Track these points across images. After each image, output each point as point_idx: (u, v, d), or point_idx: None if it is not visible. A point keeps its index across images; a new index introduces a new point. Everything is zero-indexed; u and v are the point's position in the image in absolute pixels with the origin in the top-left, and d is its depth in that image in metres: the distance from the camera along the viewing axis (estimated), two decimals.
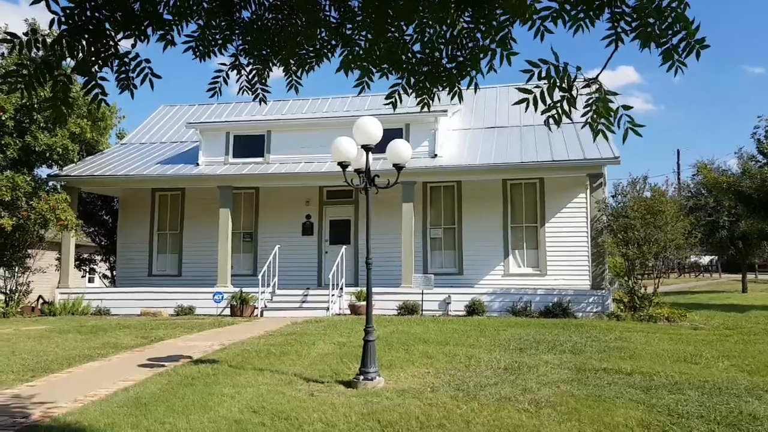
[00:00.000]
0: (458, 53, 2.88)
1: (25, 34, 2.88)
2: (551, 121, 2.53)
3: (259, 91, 3.46)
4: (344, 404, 5.93)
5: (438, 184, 16.84)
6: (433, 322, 12.17)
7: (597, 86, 2.41)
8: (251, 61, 3.32)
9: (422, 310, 14.28)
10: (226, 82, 3.41)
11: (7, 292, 15.98)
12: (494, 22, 2.60)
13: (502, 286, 15.44)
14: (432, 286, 14.41)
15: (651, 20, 2.31)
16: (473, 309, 14.09)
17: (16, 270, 16.17)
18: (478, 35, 2.73)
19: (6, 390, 6.72)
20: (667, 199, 14.96)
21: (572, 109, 2.51)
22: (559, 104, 2.44)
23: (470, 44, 2.80)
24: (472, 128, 18.29)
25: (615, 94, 2.42)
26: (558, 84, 2.39)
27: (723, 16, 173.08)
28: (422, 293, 14.39)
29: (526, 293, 14.54)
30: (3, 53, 18.42)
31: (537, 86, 2.49)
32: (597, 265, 14.56)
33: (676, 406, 5.73)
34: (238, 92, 3.53)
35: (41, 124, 16.48)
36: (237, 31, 3.18)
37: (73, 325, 12.44)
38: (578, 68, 2.40)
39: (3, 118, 16.08)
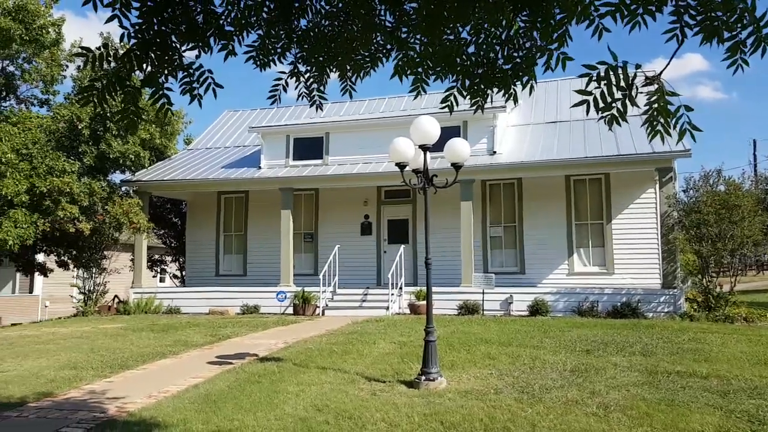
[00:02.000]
0: (515, 53, 2.83)
1: (98, 48, 3.04)
2: (612, 120, 2.44)
3: (316, 97, 3.52)
4: (406, 404, 5.94)
5: (497, 181, 16.59)
6: (494, 323, 12.01)
7: (657, 85, 2.30)
8: (309, 68, 3.38)
9: (483, 310, 14.11)
10: (285, 90, 3.49)
11: (86, 292, 16.99)
12: (552, 21, 2.54)
13: (567, 286, 15.04)
14: (493, 285, 14.21)
15: (718, 13, 2.19)
16: (536, 309, 13.80)
17: (94, 271, 17.17)
18: (536, 35, 2.67)
19: (86, 385, 7.13)
20: (744, 193, 14.12)
21: (634, 106, 2.41)
22: (619, 102, 2.35)
23: (527, 44, 2.75)
24: (532, 123, 17.90)
25: (676, 94, 2.30)
26: (616, 84, 2.30)
27: None
28: (483, 293, 14.21)
29: (593, 293, 14.11)
30: (79, 66, 19.58)
31: (597, 87, 2.42)
32: (668, 262, 13.95)
33: (757, 412, 5.42)
34: (297, 98, 3.61)
35: (114, 132, 17.36)
36: (295, 39, 3.25)
37: (147, 324, 13.06)
38: (638, 66, 2.30)
39: (80, 127, 17.05)
